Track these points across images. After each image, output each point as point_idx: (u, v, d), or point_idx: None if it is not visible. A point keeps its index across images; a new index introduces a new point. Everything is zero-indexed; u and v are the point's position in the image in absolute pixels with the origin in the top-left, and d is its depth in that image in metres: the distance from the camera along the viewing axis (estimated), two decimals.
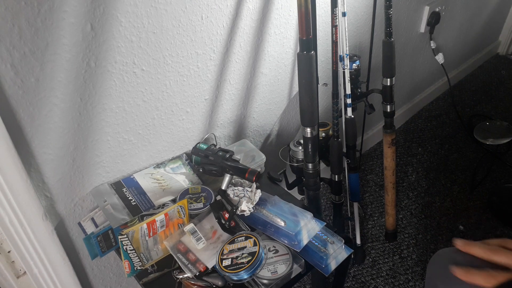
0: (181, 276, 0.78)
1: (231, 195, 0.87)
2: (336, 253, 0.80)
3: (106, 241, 0.86)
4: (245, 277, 0.73)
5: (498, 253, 0.57)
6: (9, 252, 0.83)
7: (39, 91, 0.70)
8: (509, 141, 1.70)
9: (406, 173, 1.69)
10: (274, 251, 0.81)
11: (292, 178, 1.17)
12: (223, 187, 0.87)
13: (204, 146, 0.93)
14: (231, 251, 0.77)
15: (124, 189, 0.88)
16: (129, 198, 0.86)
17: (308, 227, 0.82)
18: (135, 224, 0.78)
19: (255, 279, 0.75)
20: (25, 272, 0.85)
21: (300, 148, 1.11)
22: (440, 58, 1.84)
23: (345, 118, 1.15)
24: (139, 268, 0.79)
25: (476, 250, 0.59)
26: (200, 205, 0.88)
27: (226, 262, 0.75)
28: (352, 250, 0.82)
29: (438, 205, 1.55)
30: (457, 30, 1.95)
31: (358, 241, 1.36)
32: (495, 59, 2.43)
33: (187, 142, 1.01)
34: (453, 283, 0.61)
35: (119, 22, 0.75)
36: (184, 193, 0.90)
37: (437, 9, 1.66)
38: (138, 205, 0.85)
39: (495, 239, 0.60)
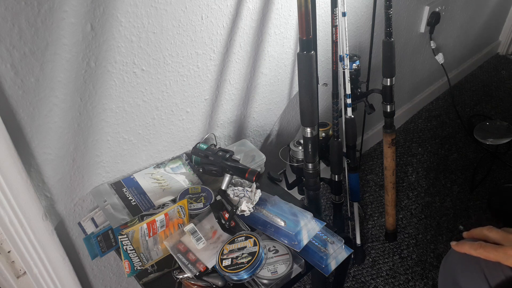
0: (181, 276, 0.78)
1: (231, 195, 0.87)
2: (336, 253, 0.80)
3: (106, 241, 0.86)
4: (245, 277, 0.73)
5: (482, 247, 0.62)
6: (9, 252, 0.83)
7: (39, 91, 0.70)
8: (509, 141, 1.70)
9: (406, 173, 1.69)
10: (274, 251, 0.81)
11: (292, 178, 1.17)
12: (223, 187, 0.87)
13: (204, 146, 0.93)
14: (231, 251, 0.77)
15: (124, 189, 0.88)
16: (129, 198, 0.86)
17: (308, 227, 0.82)
18: (135, 224, 0.78)
19: (255, 279, 0.75)
20: (25, 272, 0.85)
21: (300, 148, 1.11)
22: (440, 58, 1.84)
23: (345, 118, 1.15)
24: (139, 268, 0.79)
25: (466, 248, 0.64)
26: (200, 205, 0.88)
27: (226, 262, 0.75)
28: (352, 250, 0.82)
29: (438, 205, 1.55)
30: (457, 30, 1.95)
31: (358, 241, 1.36)
32: (495, 59, 2.43)
33: (187, 142, 1.01)
34: (473, 277, 0.65)
35: (119, 22, 0.75)
36: (184, 193, 0.90)
37: (437, 9, 1.66)
38: (138, 205, 0.85)
39: (478, 229, 0.65)
